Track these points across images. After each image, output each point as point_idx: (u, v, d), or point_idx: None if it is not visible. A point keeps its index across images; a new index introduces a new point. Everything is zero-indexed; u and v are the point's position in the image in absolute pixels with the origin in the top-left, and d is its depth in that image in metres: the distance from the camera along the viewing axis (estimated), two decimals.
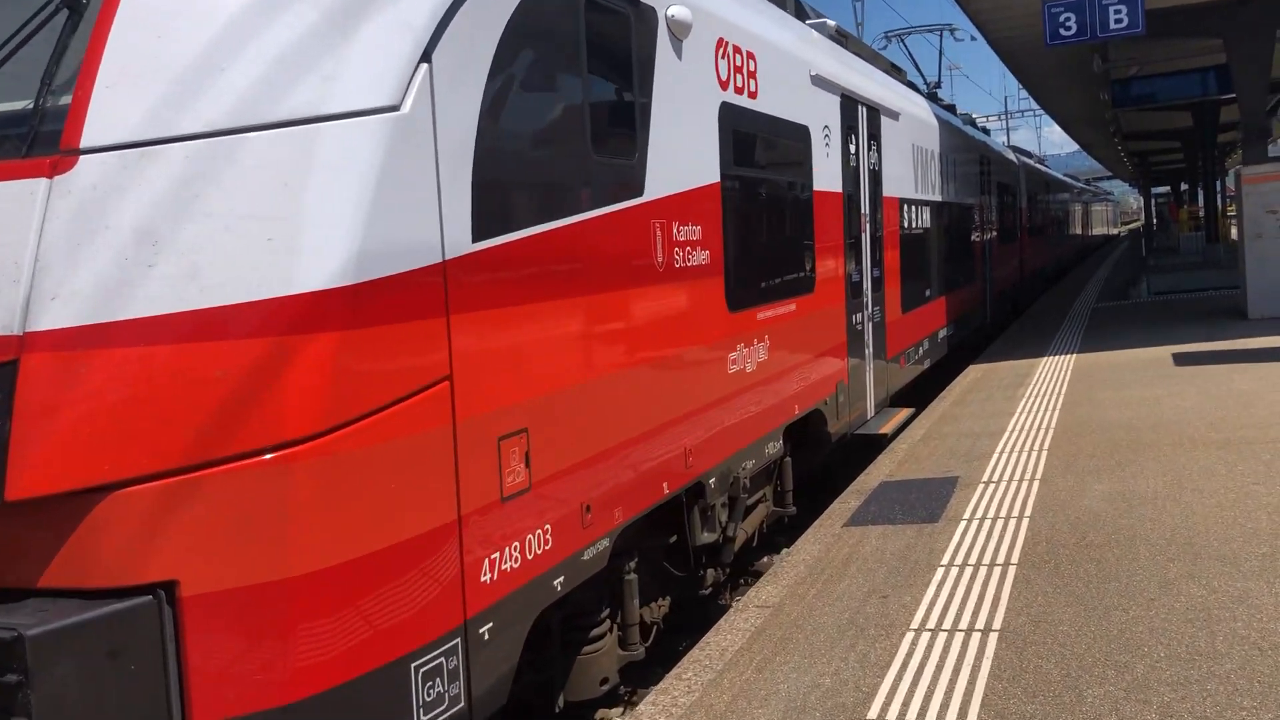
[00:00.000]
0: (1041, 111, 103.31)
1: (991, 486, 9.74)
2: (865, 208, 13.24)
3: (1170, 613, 6.27)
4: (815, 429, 11.43)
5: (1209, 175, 37.68)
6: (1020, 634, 6.15)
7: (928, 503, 9.41)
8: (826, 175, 11.50)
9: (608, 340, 6.46)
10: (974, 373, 17.81)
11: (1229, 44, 21.86)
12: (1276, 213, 20.13)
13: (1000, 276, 25.99)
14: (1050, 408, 13.44)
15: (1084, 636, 6.03)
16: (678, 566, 8.10)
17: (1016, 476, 10.01)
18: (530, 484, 5.63)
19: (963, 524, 8.62)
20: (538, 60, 5.85)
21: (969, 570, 7.40)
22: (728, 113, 8.57)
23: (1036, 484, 9.63)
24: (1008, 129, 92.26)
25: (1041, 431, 11.98)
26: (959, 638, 6.20)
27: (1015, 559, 7.50)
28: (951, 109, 24.61)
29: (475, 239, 5.18)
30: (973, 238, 22.04)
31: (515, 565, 5.48)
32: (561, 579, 5.92)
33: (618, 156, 6.72)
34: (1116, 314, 24.91)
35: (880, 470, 11.13)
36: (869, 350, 13.26)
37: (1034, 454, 10.91)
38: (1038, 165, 41.60)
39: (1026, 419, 12.86)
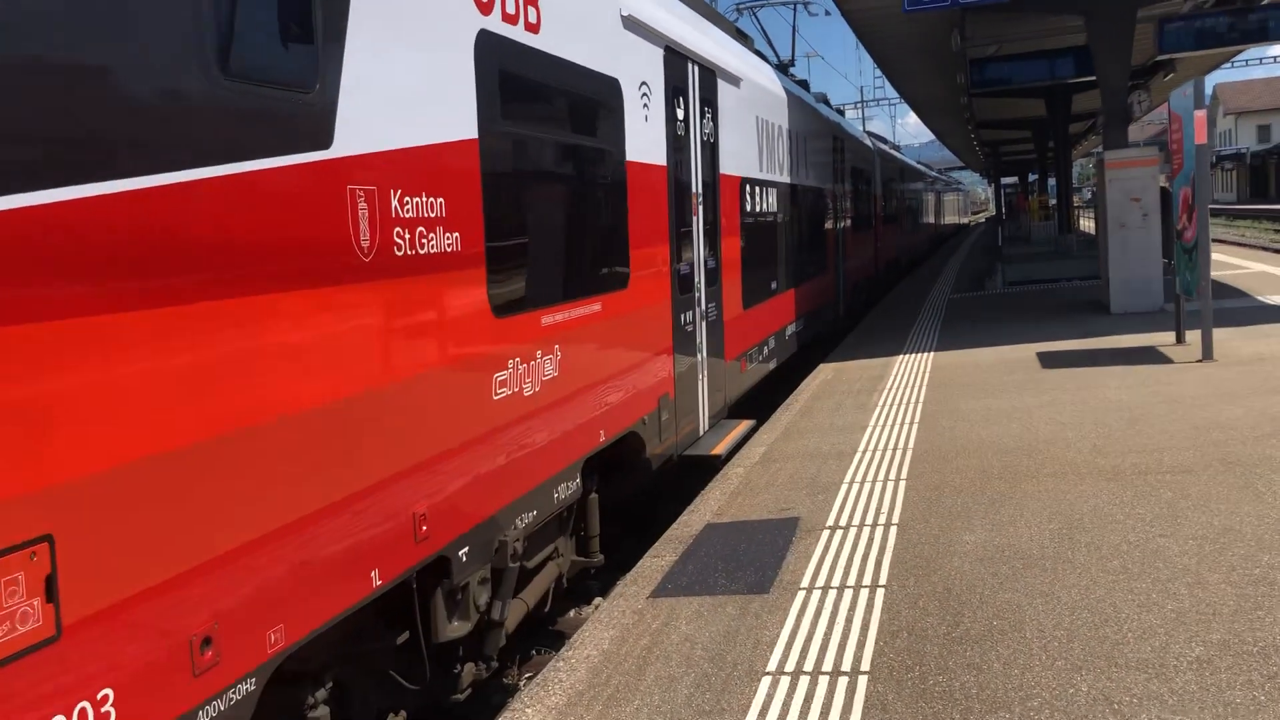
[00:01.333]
0: (898, 100, 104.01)
1: (838, 534, 7.78)
2: (698, 187, 11.18)
3: None
4: (632, 455, 9.33)
5: (1062, 162, 37.11)
6: None
7: (759, 559, 7.38)
8: (645, 144, 9.38)
9: (244, 373, 4.15)
10: (824, 373, 16.02)
11: (1090, 21, 20.59)
12: (1140, 201, 18.90)
13: (854, 267, 24.43)
14: (908, 420, 11.64)
15: None
16: (414, 671, 5.87)
17: (869, 519, 8.08)
18: (59, 630, 3.32)
19: (800, 596, 6.59)
20: None
21: (803, 684, 5.34)
22: (490, 46, 6.33)
23: (894, 531, 7.70)
24: (864, 117, 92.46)
25: (898, 453, 10.12)
26: None
27: (866, 663, 5.48)
28: (804, 85, 22.87)
29: None
30: (825, 225, 20.31)
31: None
32: None
33: (276, 83, 4.41)
34: (973, 306, 23.60)
35: (708, 505, 9.08)
36: (702, 354, 11.22)
37: (890, 484, 9.01)
38: (893, 151, 40.54)
39: (881, 435, 11.01)
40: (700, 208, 11.24)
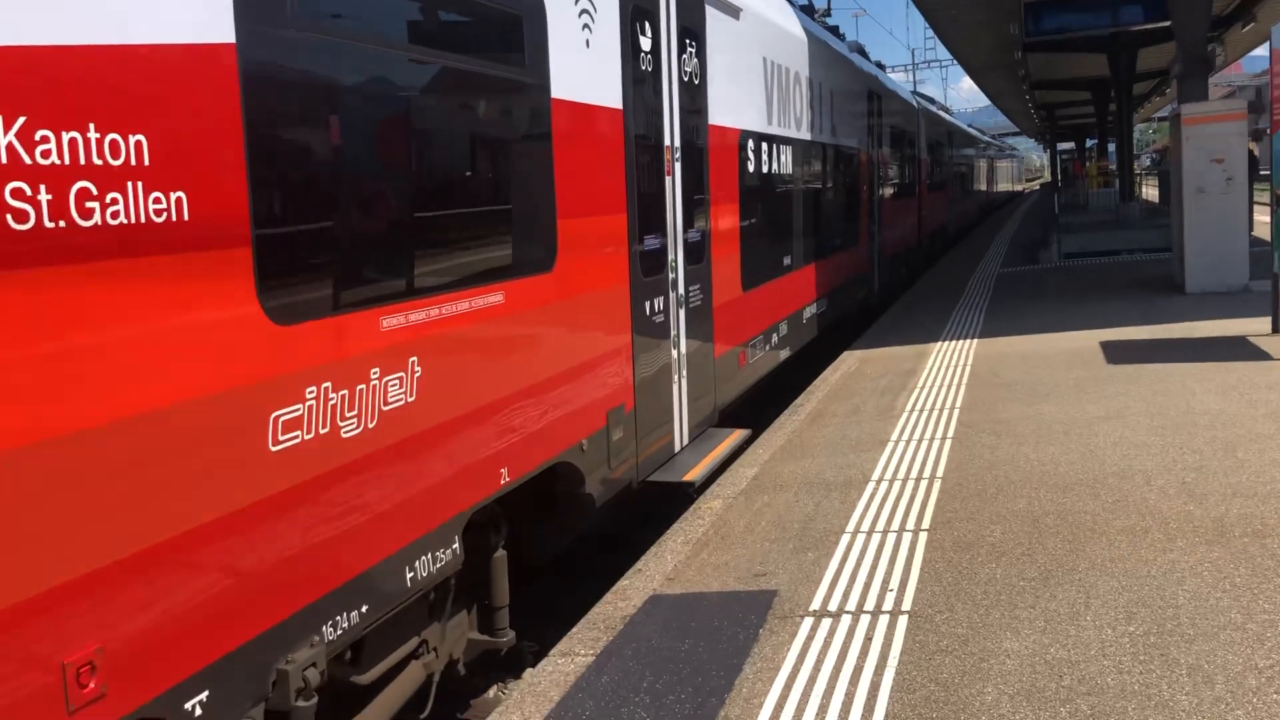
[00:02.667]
0: (950, 62, 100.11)
1: (824, 626, 5.49)
2: (674, 139, 8.86)
3: None
4: (567, 490, 7.12)
5: (1124, 123, 34.14)
6: None
7: (707, 668, 5.13)
8: (585, 78, 7.09)
9: None
10: (847, 363, 13.65)
11: None
12: (1223, 162, 16.26)
13: (892, 238, 21.94)
14: (939, 433, 9.30)
15: None
16: None
17: (871, 599, 5.78)
18: None
19: None
20: None
21: None
22: None
23: (902, 625, 5.40)
24: (914, 80, 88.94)
25: (923, 485, 7.80)
26: None
27: None
28: (837, 33, 20.34)
29: None
30: (857, 190, 17.87)
31: None
32: None
33: None
34: (1025, 282, 21.03)
35: (662, 561, 6.83)
36: (679, 350, 8.94)
37: (907, 538, 6.71)
38: (941, 113, 37.78)
39: (904, 455, 8.68)
40: (678, 166, 8.92)
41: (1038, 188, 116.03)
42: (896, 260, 22.81)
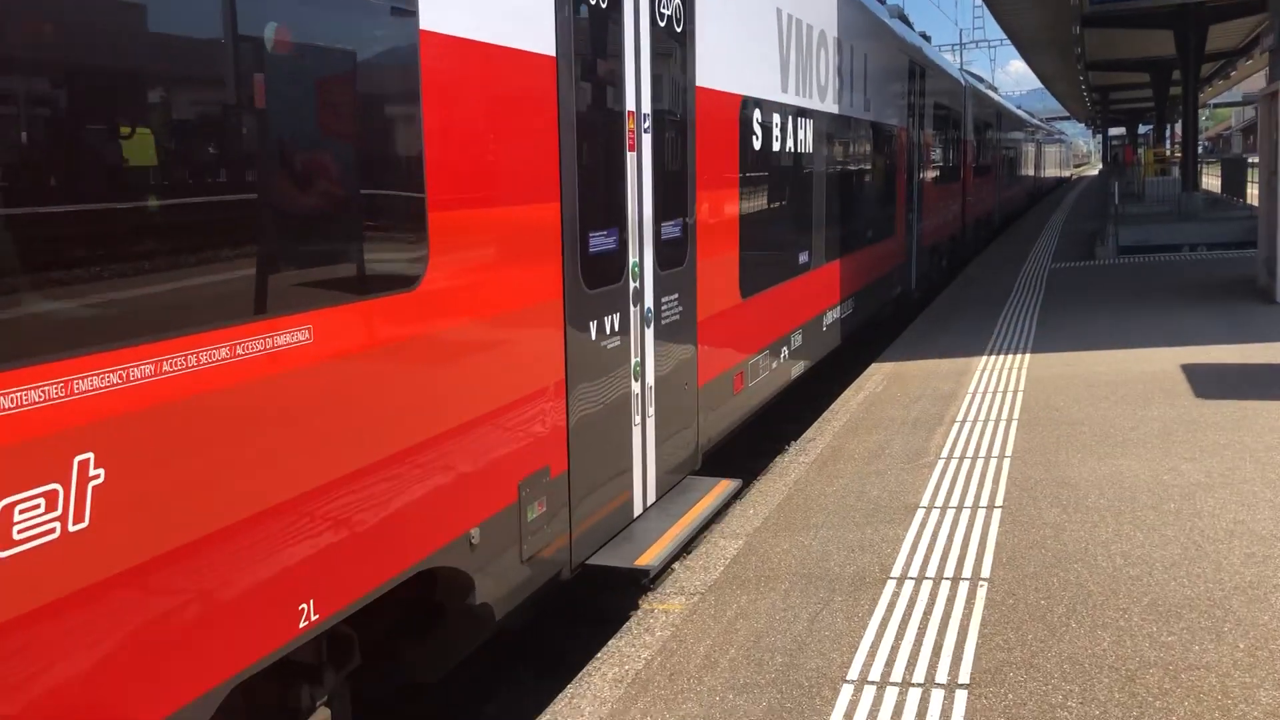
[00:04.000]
0: (999, 41, 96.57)
1: None
2: (642, 102, 6.67)
3: None
4: (449, 597, 5.00)
5: (1189, 104, 31.40)
6: None
7: None
8: (484, 5, 4.91)
9: None
10: (874, 381, 11.41)
11: None
12: None
13: (933, 227, 19.60)
14: (984, 501, 7.08)
15: None
16: None
17: None
18: None
19: None
20: None
21: None
22: None
23: None
24: (961, 61, 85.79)
25: (961, 593, 5.59)
26: None
27: None
28: None
29: None
30: (894, 174, 15.58)
31: None
32: None
33: None
34: (1081, 281, 18.63)
35: (578, 716, 4.69)
36: (645, 381, 6.79)
37: (936, 701, 4.52)
38: (989, 92, 35.19)
39: (937, 536, 6.47)
40: (646, 140, 6.73)
41: (1087, 175, 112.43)
42: (937, 252, 20.46)
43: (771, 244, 9.61)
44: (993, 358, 12.12)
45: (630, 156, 6.49)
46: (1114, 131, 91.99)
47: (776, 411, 10.77)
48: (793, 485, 7.81)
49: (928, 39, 24.46)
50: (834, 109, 11.65)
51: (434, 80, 4.47)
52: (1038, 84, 69.02)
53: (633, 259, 6.55)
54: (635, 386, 6.66)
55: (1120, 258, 23.13)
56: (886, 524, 6.74)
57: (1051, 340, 12.91)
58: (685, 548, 6.75)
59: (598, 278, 6.09)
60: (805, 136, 10.55)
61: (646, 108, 6.70)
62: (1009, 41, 41.91)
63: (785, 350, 10.16)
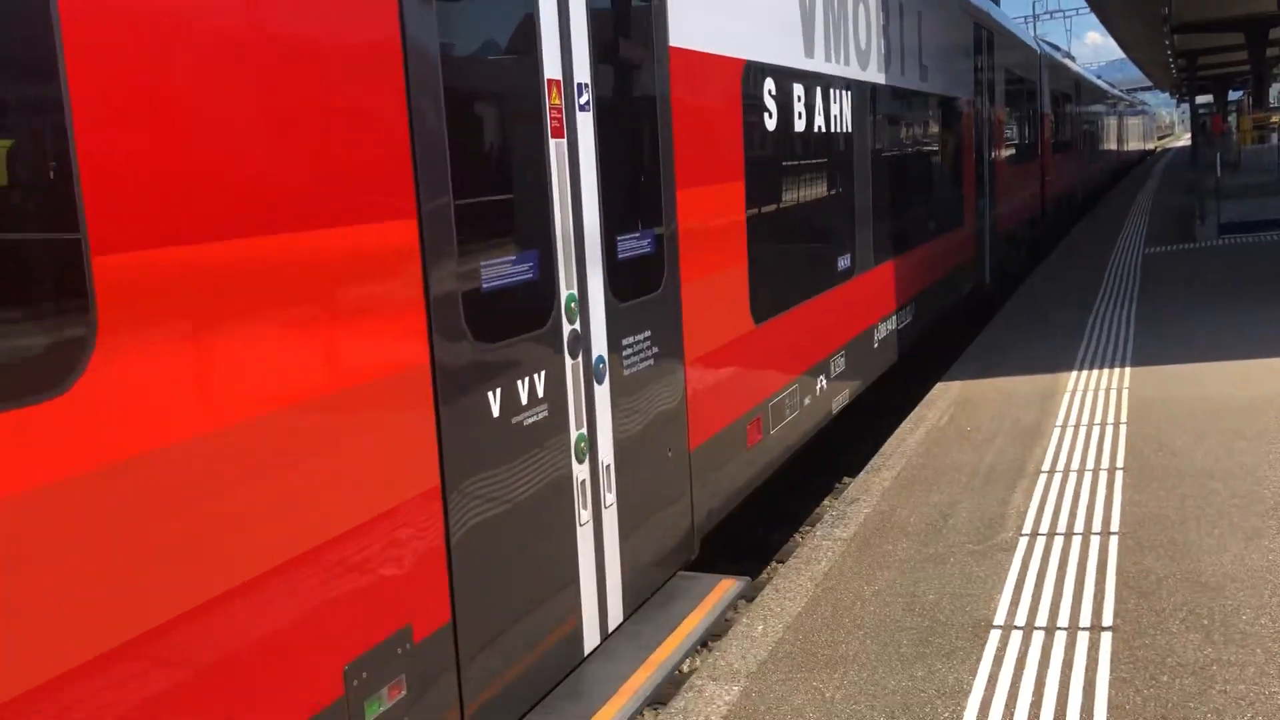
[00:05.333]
0: (1074, 11, 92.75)
1: None
2: (572, 66, 4.69)
3: None
4: None
5: None
6: None
7: None
8: None
9: None
10: (938, 408, 9.30)
11: None
12: None
13: (1008, 212, 17.30)
14: (1085, 617, 4.99)
15: None
16: None
17: None
18: None
19: None
20: None
21: None
22: None
23: None
24: (1035, 32, 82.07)
25: None
26: None
27: None
28: None
29: None
30: (961, 153, 13.40)
31: None
32: None
33: None
34: (1183, 270, 16.21)
35: None
36: (598, 462, 4.85)
37: None
38: (1067, 61, 32.51)
39: (1018, 683, 4.42)
40: (583, 121, 4.75)
41: (1172, 146, 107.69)
42: (1014, 239, 18.15)
43: (797, 250, 7.58)
44: (1084, 373, 9.93)
45: (555, 146, 4.52)
46: (1200, 99, 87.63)
47: (817, 441, 8.76)
48: (820, 581, 5.78)
49: (996, 2, 22.03)
50: (879, 78, 9.55)
51: (76, 31, 2.55)
52: (1116, 55, 65.51)
53: (565, 290, 4.59)
54: (580, 470, 4.70)
55: (1222, 238, 20.55)
56: (945, 660, 4.69)
57: (1156, 348, 10.66)
58: (661, 695, 4.78)
59: (500, 324, 4.14)
60: (841, 113, 8.49)
61: (584, 75, 4.72)
62: (1086, 10, 39.02)
63: (823, 379, 8.12)
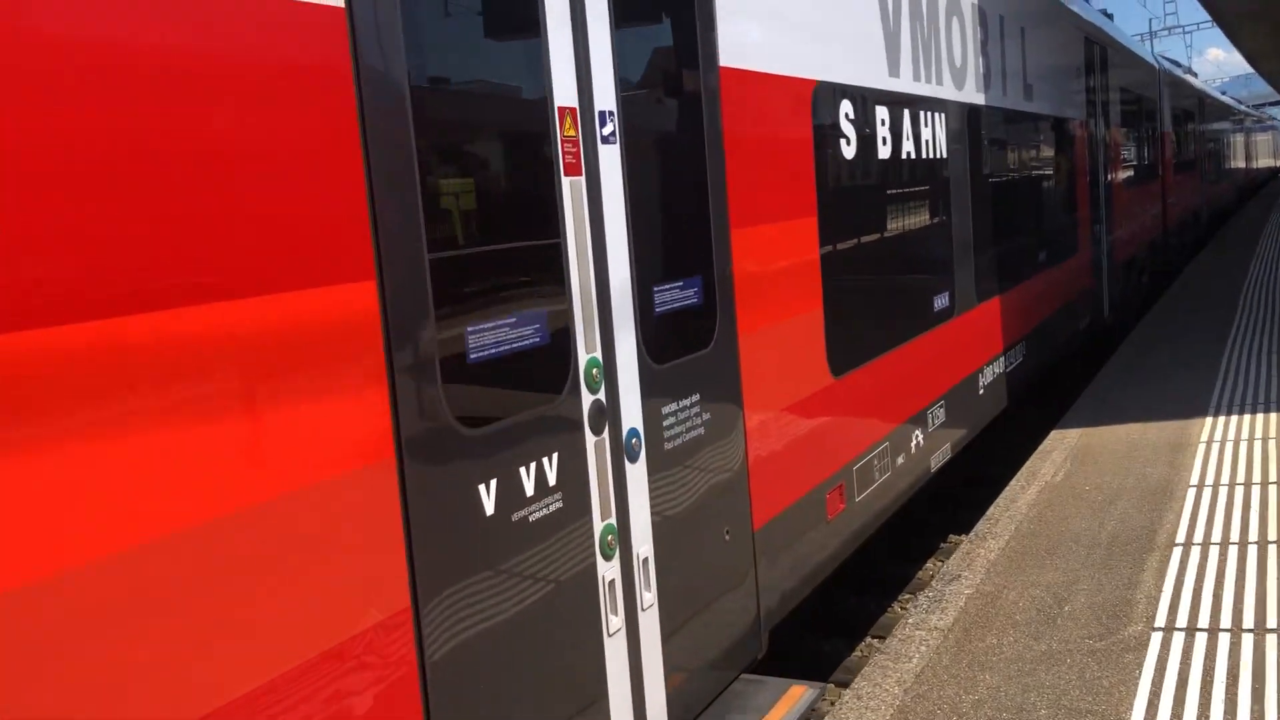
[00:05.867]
0: (1195, 26, 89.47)
1: None
2: (593, 89, 3.96)
3: None
4: None
5: None
6: None
7: None
8: None
9: None
10: (1052, 465, 8.30)
11: None
12: None
13: (1126, 237, 16.09)
14: None
15: None
16: None
17: None
18: None
19: None
20: None
21: None
22: None
23: None
24: (1153, 49, 79.16)
25: None
26: None
27: None
28: None
29: None
30: (1074, 176, 12.38)
31: None
32: None
33: None
34: None
35: None
36: (633, 557, 4.09)
37: None
38: (1188, 77, 30.86)
39: None
40: (612, 155, 4.03)
41: None
42: (1133, 266, 16.88)
43: (884, 290, 6.74)
44: (1221, 419, 8.81)
45: (569, 185, 3.79)
46: None
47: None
48: (911, 686, 4.90)
49: (1109, 16, 20.80)
50: (978, 99, 8.67)
51: None
52: (1240, 70, 62.62)
53: (584, 355, 3.85)
54: (607, 568, 3.94)
55: None
56: None
57: None
58: None
59: (494, 401, 3.42)
60: (935, 137, 7.63)
61: (607, 101, 4.00)
62: (1207, 24, 37.15)
63: (919, 434, 7.23)
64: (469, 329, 3.31)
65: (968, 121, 8.36)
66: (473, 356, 3.32)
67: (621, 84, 4.07)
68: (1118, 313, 15.27)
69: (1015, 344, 9.77)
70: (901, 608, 7.98)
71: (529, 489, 3.53)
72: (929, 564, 8.80)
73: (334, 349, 2.81)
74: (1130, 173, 16.60)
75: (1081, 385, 12.23)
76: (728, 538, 4.78)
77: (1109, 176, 14.59)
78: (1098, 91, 13.95)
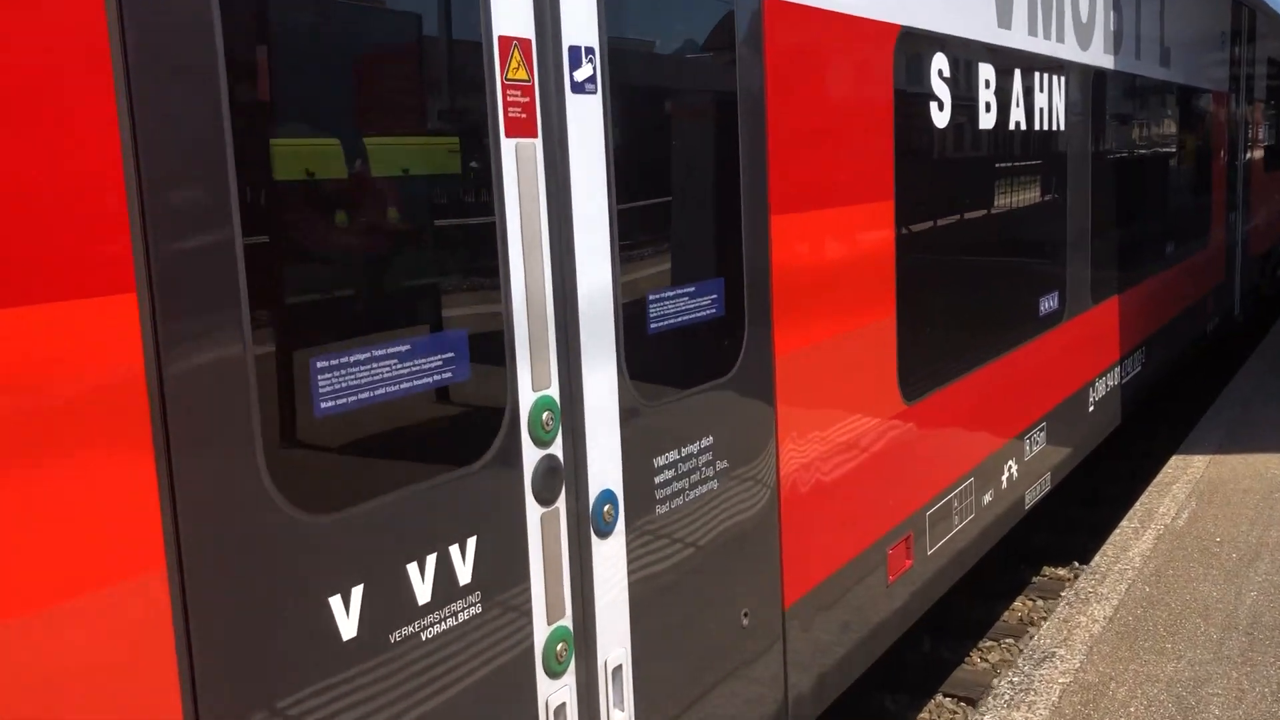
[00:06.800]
0: None
1: None
2: (568, 22, 2.75)
3: None
4: None
5: None
6: None
7: None
8: None
9: None
10: (1172, 501, 6.94)
11: None
12: None
13: (1264, 227, 14.34)
14: None
15: None
16: None
17: None
18: None
19: None
20: None
21: None
22: None
23: None
24: None
25: None
26: None
27: None
28: None
29: None
30: (1207, 158, 10.82)
31: None
32: None
33: None
34: None
35: None
36: (588, 676, 2.92)
37: None
38: None
39: None
40: (591, 107, 2.85)
41: None
42: (1271, 259, 15.10)
43: (979, 293, 5.46)
44: None
45: (513, 151, 2.63)
46: None
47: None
48: None
49: None
50: (1105, 62, 7.27)
51: None
52: None
53: (530, 394, 2.70)
54: (553, 690, 2.81)
55: None
56: None
57: None
58: None
59: (359, 473, 2.30)
60: (1051, 105, 6.28)
61: (586, 35, 2.82)
62: None
63: (1012, 465, 5.96)
64: (317, 361, 2.19)
65: (1092, 88, 6.97)
66: (323, 406, 2.20)
67: (609, 8, 2.89)
68: (1251, 311, 13.60)
69: (1134, 351, 8.37)
70: (982, 658, 6.74)
71: (422, 595, 2.42)
72: (1017, 603, 7.52)
73: (76, 409, 1.72)
74: (1274, 155, 14.82)
75: (1203, 387, 10.72)
76: (745, 622, 3.62)
77: (1248, 158, 12.91)
78: (1243, 62, 12.28)
